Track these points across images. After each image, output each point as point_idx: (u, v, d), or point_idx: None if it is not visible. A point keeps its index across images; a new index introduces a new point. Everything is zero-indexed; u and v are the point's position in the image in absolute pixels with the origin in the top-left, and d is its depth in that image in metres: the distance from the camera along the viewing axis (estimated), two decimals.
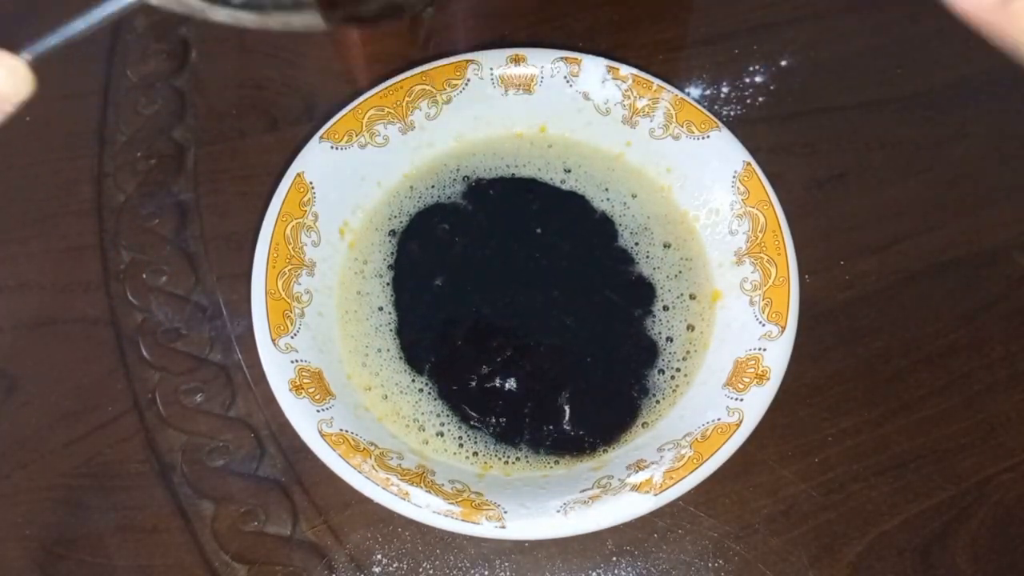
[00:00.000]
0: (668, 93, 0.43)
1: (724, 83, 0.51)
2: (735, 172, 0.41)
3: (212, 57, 0.52)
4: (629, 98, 0.43)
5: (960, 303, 0.45)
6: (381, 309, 0.41)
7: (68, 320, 0.44)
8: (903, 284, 0.45)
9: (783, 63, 0.52)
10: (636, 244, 0.43)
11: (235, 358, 0.43)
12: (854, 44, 0.53)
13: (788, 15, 0.53)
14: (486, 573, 0.38)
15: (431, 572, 0.38)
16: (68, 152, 0.49)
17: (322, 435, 0.35)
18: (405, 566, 0.39)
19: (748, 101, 0.50)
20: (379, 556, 0.39)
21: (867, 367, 0.43)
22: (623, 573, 0.39)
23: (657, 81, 0.43)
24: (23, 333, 0.44)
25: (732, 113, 0.50)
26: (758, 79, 0.51)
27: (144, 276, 0.45)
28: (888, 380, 0.43)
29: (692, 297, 0.42)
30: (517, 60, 0.44)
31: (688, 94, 0.43)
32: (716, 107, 0.50)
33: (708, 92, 0.51)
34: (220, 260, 0.45)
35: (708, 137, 0.42)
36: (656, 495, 0.34)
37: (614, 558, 0.39)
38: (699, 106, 0.43)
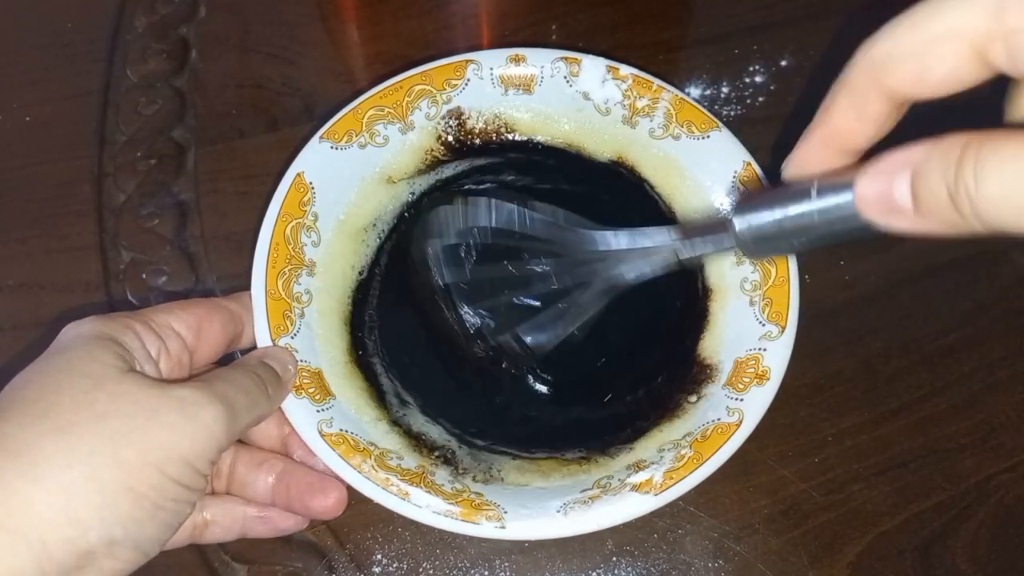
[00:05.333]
0: (668, 93, 0.43)
1: (724, 83, 0.51)
2: (735, 172, 0.41)
3: (212, 57, 0.52)
4: (629, 98, 0.43)
5: (960, 303, 0.45)
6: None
7: (68, 320, 0.44)
8: (903, 284, 0.45)
9: (783, 63, 0.52)
10: None
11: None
12: (854, 44, 0.53)
13: (788, 15, 0.53)
14: (486, 573, 0.38)
15: (431, 572, 0.38)
16: (68, 152, 0.49)
17: (322, 435, 0.35)
18: (405, 566, 0.39)
19: (748, 101, 0.50)
20: (379, 556, 0.39)
21: (867, 367, 0.43)
22: (623, 573, 0.39)
23: (657, 81, 0.43)
24: (23, 333, 0.44)
25: (732, 113, 0.50)
26: (758, 79, 0.51)
27: (144, 276, 0.45)
28: (888, 380, 0.43)
29: None
30: (517, 60, 0.44)
31: (688, 94, 0.43)
32: (716, 107, 0.50)
33: (708, 92, 0.51)
34: (220, 260, 0.45)
35: (708, 137, 0.42)
36: (656, 495, 0.34)
37: (614, 558, 0.39)
38: (699, 106, 0.43)
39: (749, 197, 0.28)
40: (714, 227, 0.30)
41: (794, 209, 0.26)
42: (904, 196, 0.23)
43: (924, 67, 0.22)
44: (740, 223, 0.27)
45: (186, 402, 0.29)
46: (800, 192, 0.25)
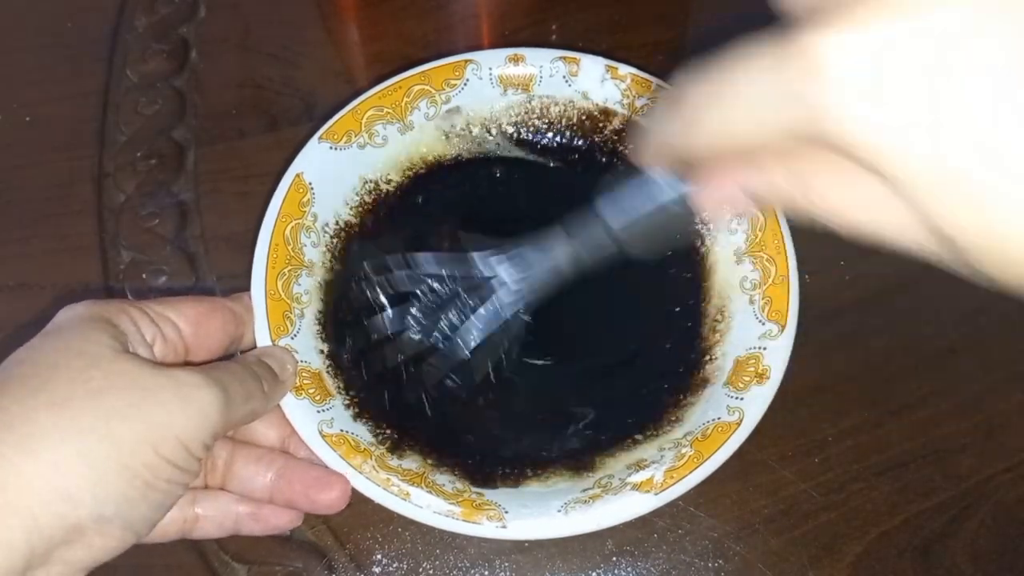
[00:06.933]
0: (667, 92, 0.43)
1: None
2: None
3: (212, 57, 0.52)
4: (628, 97, 0.43)
5: (960, 303, 0.45)
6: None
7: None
8: (903, 284, 0.45)
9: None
10: None
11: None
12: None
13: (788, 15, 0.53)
14: (486, 573, 0.38)
15: (431, 572, 0.38)
16: (68, 152, 0.49)
17: (323, 436, 0.35)
18: (405, 566, 0.39)
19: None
20: (379, 556, 0.39)
21: (867, 367, 0.43)
22: (623, 573, 0.39)
23: (656, 80, 0.43)
24: (23, 333, 0.44)
25: None
26: None
27: (144, 276, 0.45)
28: (888, 380, 0.43)
29: None
30: (516, 60, 0.44)
31: None
32: None
33: None
34: (220, 260, 0.45)
35: None
36: (657, 494, 0.34)
37: (614, 558, 0.39)
38: None
39: (611, 199, 0.30)
40: (590, 230, 0.31)
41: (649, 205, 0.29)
42: (743, 203, 0.24)
43: (749, 152, 0.22)
44: (613, 222, 0.30)
45: (182, 383, 0.29)
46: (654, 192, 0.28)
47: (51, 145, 0.49)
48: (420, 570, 0.38)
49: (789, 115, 0.18)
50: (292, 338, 0.37)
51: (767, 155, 0.22)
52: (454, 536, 0.39)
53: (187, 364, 0.34)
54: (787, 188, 0.22)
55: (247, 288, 0.38)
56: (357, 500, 0.35)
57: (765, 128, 0.19)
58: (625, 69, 0.43)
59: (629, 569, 0.39)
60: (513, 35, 0.52)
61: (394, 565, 0.39)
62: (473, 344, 0.37)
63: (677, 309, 0.41)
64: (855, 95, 0.17)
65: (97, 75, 0.51)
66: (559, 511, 0.34)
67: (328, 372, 0.38)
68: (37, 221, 0.47)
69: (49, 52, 0.52)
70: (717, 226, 0.41)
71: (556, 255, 0.34)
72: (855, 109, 0.17)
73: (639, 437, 0.38)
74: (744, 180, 0.23)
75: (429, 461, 0.37)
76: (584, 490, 0.35)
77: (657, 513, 0.36)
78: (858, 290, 0.45)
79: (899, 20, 0.16)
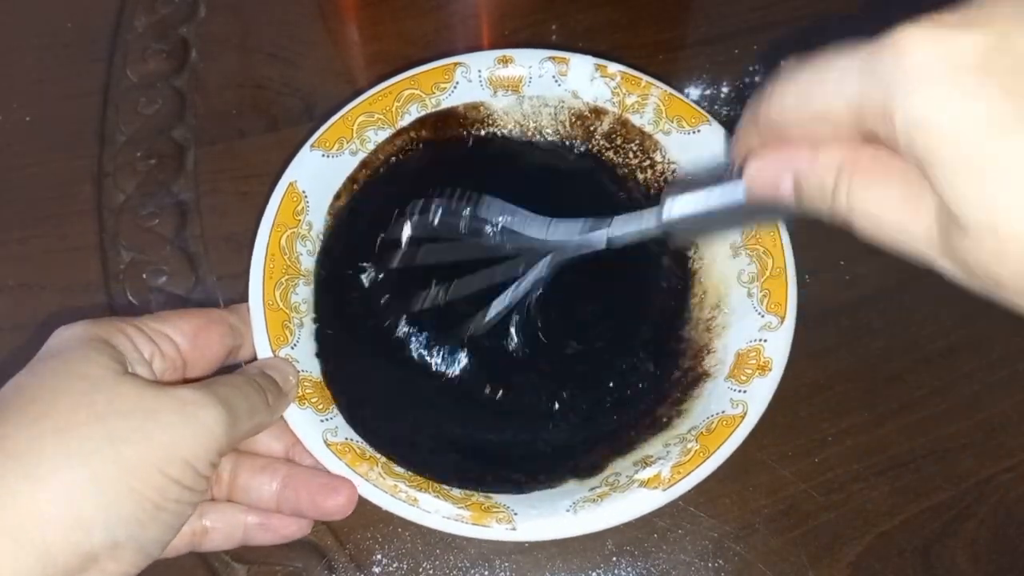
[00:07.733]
0: (657, 89, 0.43)
1: (724, 83, 0.51)
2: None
3: (212, 57, 0.52)
4: (618, 95, 0.43)
5: (960, 303, 0.45)
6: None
7: (68, 320, 0.44)
8: (903, 284, 0.45)
9: (783, 63, 0.52)
10: None
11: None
12: (854, 44, 0.53)
13: (788, 15, 0.53)
14: (486, 573, 0.38)
15: (431, 572, 0.38)
16: (68, 152, 0.49)
17: (328, 444, 0.35)
18: (405, 566, 0.39)
19: (748, 101, 0.50)
20: (379, 556, 0.39)
21: (867, 367, 0.43)
22: (623, 573, 0.39)
23: (646, 78, 0.43)
24: (23, 333, 0.44)
25: (732, 113, 0.50)
26: (758, 79, 0.51)
27: (144, 276, 0.45)
28: (888, 380, 0.43)
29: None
30: (505, 61, 0.43)
31: (688, 94, 0.43)
32: (716, 107, 0.50)
33: (708, 92, 0.50)
34: (220, 260, 0.45)
35: (699, 132, 0.42)
36: (665, 490, 0.34)
37: (614, 558, 0.39)
38: (689, 101, 0.42)
39: (674, 187, 0.32)
40: (642, 213, 0.34)
41: (710, 196, 0.31)
42: (787, 190, 0.27)
43: (814, 135, 0.26)
44: (667, 209, 0.32)
45: (186, 403, 0.29)
46: (714, 181, 0.30)
47: (51, 145, 0.49)
48: (420, 570, 0.38)
49: (863, 88, 0.22)
50: (292, 348, 0.37)
51: (827, 138, 0.25)
52: (454, 536, 0.38)
53: (186, 379, 0.34)
54: (829, 179, 0.25)
55: (247, 289, 0.38)
56: (357, 500, 0.35)
57: (840, 99, 0.23)
58: (615, 67, 0.43)
59: (629, 569, 0.39)
60: (513, 35, 0.52)
61: (394, 565, 0.39)
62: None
63: (673, 305, 0.41)
64: (927, 78, 0.20)
65: (97, 75, 0.51)
66: (568, 511, 0.34)
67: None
68: (37, 221, 0.47)
69: (49, 52, 0.52)
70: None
71: (602, 234, 0.35)
72: (924, 92, 0.20)
73: (638, 436, 0.38)
74: (798, 162, 0.26)
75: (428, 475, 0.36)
76: (592, 489, 0.35)
77: (657, 513, 0.36)
78: (858, 290, 0.45)
79: (986, 31, 0.20)
